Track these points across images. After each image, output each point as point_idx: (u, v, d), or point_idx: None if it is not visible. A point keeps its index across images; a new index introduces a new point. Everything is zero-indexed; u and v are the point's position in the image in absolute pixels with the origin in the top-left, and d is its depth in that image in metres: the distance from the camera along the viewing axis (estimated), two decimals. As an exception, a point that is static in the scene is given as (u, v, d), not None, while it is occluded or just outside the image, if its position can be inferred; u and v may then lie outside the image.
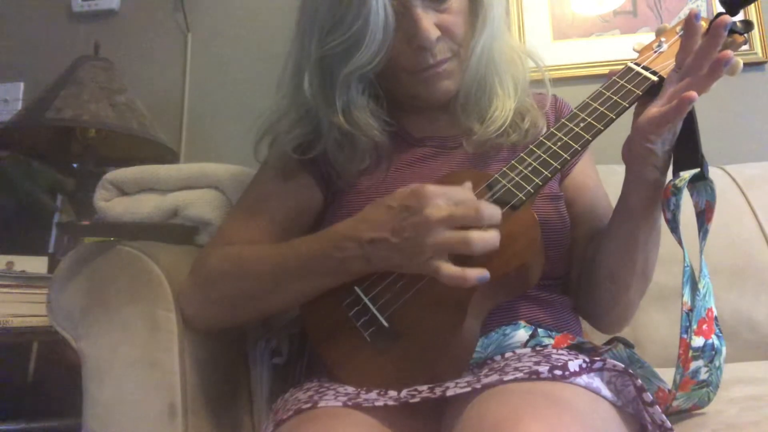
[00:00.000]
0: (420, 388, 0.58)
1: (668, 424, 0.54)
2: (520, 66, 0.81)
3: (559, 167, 0.64)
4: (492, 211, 0.58)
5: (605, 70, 0.71)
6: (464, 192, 0.60)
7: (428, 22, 0.71)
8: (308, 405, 0.58)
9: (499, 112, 0.77)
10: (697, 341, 0.58)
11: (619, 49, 1.52)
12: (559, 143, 0.65)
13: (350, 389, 0.62)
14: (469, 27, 0.76)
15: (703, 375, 0.59)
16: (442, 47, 0.74)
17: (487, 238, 0.57)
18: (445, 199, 0.58)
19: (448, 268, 0.57)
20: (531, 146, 0.67)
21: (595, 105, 0.66)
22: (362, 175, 0.78)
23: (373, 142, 0.77)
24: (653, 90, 0.65)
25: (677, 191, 0.62)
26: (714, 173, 1.23)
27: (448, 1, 0.73)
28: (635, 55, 0.71)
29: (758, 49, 1.47)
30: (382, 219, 0.61)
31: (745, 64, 0.63)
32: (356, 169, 0.77)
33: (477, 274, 0.56)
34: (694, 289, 0.61)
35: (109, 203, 1.00)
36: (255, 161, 0.87)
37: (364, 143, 0.76)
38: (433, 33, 0.71)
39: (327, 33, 0.72)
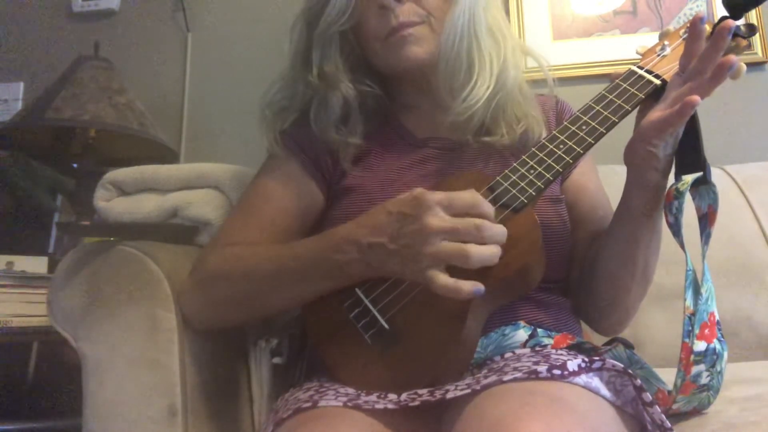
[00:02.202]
0: (420, 391, 0.58)
1: (668, 424, 0.54)
2: (504, 48, 0.79)
3: (561, 170, 0.64)
4: (495, 232, 0.57)
5: (605, 70, 0.71)
6: (468, 197, 0.59)
7: None
8: (308, 405, 0.58)
9: (477, 89, 0.75)
10: (699, 345, 0.58)
11: (619, 49, 1.52)
12: (561, 146, 0.65)
13: (350, 390, 0.62)
14: None
15: (705, 379, 0.59)
16: (408, 10, 0.75)
17: (485, 254, 0.56)
18: (447, 207, 0.58)
19: (443, 279, 0.56)
20: (533, 149, 0.67)
21: (597, 108, 0.66)
22: (364, 174, 0.78)
23: (343, 98, 0.78)
24: (656, 93, 0.65)
25: (679, 195, 0.62)
26: (714, 173, 1.21)
27: None
28: (635, 55, 0.71)
29: (758, 49, 1.47)
30: (381, 224, 0.60)
31: (745, 65, 0.63)
32: (331, 128, 0.78)
33: (471, 287, 0.55)
34: (697, 293, 0.61)
35: (109, 203, 1.00)
36: (255, 161, 0.87)
37: (335, 100, 0.78)
38: None
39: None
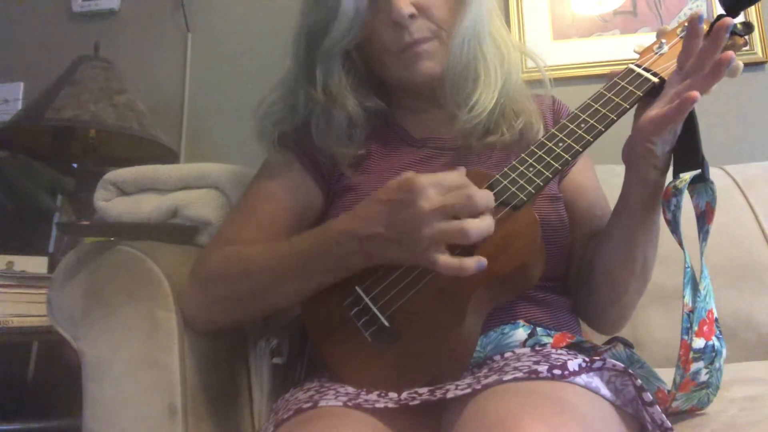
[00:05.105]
0: (420, 390, 0.58)
1: (668, 423, 0.54)
2: (507, 56, 0.80)
3: (560, 168, 0.64)
4: (484, 196, 0.57)
5: (605, 70, 0.71)
6: (456, 177, 0.59)
7: None
8: (309, 405, 0.58)
9: (483, 98, 0.76)
10: (698, 343, 0.58)
11: (619, 49, 1.52)
12: (560, 144, 0.66)
13: (351, 389, 0.62)
14: (453, 10, 0.76)
15: (704, 377, 0.59)
16: (421, 26, 0.75)
17: (483, 225, 0.56)
18: (437, 188, 0.58)
19: (445, 259, 0.56)
20: (532, 147, 0.67)
21: (596, 106, 0.67)
22: (363, 175, 0.78)
23: (347, 115, 0.78)
24: (654, 91, 0.66)
25: (678, 192, 0.62)
26: (714, 173, 1.21)
27: None
28: (635, 56, 0.71)
29: (758, 49, 1.47)
30: (376, 214, 0.60)
31: (745, 64, 0.63)
32: (336, 147, 0.78)
33: (474, 262, 0.56)
34: (695, 290, 0.61)
35: (109, 203, 1.00)
36: (255, 161, 0.87)
37: (338, 117, 0.78)
38: (406, 9, 0.72)
39: (309, 10, 0.78)
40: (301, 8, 0.80)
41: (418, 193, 0.57)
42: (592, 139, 0.65)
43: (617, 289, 0.72)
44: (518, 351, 0.66)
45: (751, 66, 1.46)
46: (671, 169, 0.66)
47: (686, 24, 0.64)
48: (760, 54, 1.47)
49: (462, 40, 0.75)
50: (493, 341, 0.67)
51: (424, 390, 0.58)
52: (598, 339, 0.76)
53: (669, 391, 0.60)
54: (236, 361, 0.85)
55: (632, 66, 0.69)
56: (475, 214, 0.57)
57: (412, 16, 0.73)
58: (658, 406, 0.55)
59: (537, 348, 0.66)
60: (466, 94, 0.77)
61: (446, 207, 0.57)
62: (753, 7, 1.46)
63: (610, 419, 0.54)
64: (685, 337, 0.59)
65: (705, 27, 0.63)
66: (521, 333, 0.67)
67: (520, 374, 0.53)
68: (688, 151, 0.64)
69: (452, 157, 0.79)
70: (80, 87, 1.35)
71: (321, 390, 0.63)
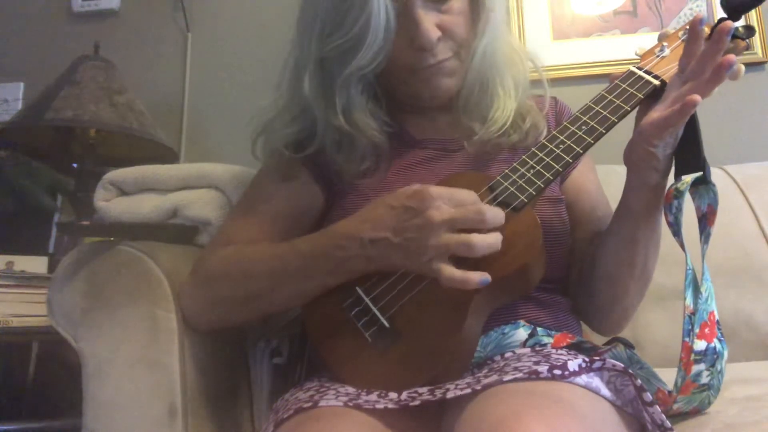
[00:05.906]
0: (420, 390, 0.58)
1: (668, 424, 0.54)
2: (521, 66, 0.82)
3: (561, 170, 0.65)
4: (495, 214, 0.58)
5: (605, 71, 0.72)
6: (467, 194, 0.60)
7: (429, 22, 0.71)
8: (309, 404, 0.58)
9: (500, 113, 0.78)
10: (699, 345, 0.58)
11: (619, 49, 1.52)
12: (561, 146, 0.66)
13: (351, 389, 0.62)
14: (470, 28, 0.76)
15: (705, 379, 0.59)
16: (443, 47, 0.74)
17: (490, 242, 0.57)
18: (448, 200, 0.59)
19: (450, 271, 0.57)
20: (533, 149, 0.67)
21: (597, 108, 0.67)
22: (363, 176, 0.78)
23: (371, 143, 0.77)
24: (655, 94, 0.66)
25: (679, 194, 0.63)
26: (714, 173, 1.21)
27: (449, 1, 0.73)
28: (635, 56, 0.71)
29: (758, 49, 1.47)
30: (383, 218, 0.61)
31: (745, 65, 0.63)
32: (356, 169, 0.77)
33: (479, 277, 0.56)
34: (696, 292, 0.61)
35: (109, 203, 1.00)
36: (255, 161, 0.87)
37: (362, 144, 0.77)
38: (434, 33, 0.71)
39: (327, 35, 0.73)
40: (313, 31, 0.74)
41: (429, 202, 0.58)
42: (592, 141, 0.65)
43: (618, 290, 0.72)
44: (518, 351, 0.66)
45: (751, 66, 1.46)
46: (673, 171, 0.66)
47: (688, 27, 0.64)
48: (760, 54, 1.47)
49: (480, 57, 0.76)
50: (493, 341, 0.67)
51: (424, 390, 0.58)
52: (598, 340, 0.76)
53: (670, 392, 0.60)
54: (236, 361, 0.85)
55: (633, 68, 0.69)
56: (484, 230, 0.57)
57: (438, 39, 0.73)
58: (657, 407, 0.55)
59: (537, 348, 0.66)
60: (483, 109, 0.78)
61: (456, 220, 0.57)
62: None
63: (610, 419, 0.54)
64: (687, 339, 0.59)
65: (706, 30, 0.63)
66: (522, 333, 0.67)
67: (520, 374, 0.53)
68: (689, 153, 0.64)
69: (455, 158, 0.79)
70: (80, 87, 1.35)
71: (321, 390, 0.63)
